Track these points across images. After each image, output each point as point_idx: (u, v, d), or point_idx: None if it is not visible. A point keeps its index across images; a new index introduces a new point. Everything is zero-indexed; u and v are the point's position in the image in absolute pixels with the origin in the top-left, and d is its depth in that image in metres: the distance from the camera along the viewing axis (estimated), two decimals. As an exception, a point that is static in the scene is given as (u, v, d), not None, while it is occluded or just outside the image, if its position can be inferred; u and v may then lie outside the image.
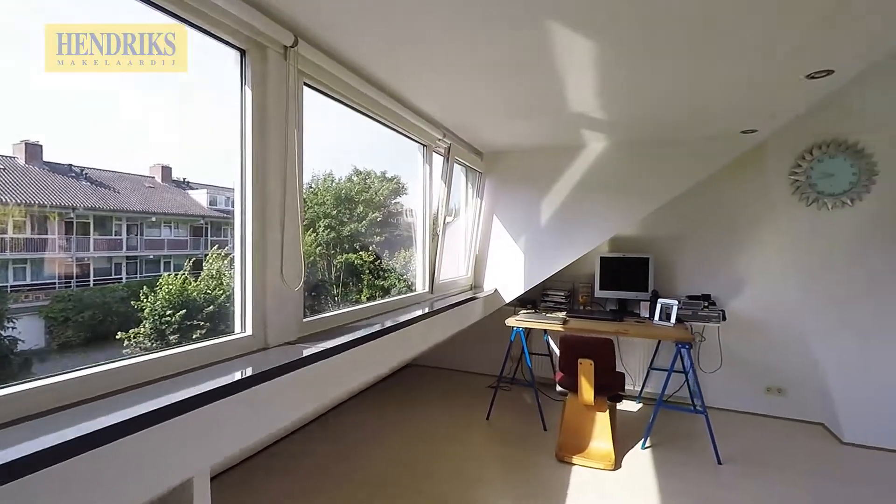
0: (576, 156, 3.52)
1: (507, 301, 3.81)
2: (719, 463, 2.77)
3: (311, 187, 10.92)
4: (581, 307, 3.89)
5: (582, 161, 3.51)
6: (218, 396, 1.11)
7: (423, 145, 2.91)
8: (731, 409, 3.60)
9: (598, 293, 3.85)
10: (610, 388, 2.77)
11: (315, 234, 10.57)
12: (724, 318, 3.40)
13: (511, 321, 3.42)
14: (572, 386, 2.83)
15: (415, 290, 3.02)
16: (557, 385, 3.01)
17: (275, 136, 1.58)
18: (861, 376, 3.04)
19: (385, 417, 3.56)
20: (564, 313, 3.67)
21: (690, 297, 3.55)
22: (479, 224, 3.83)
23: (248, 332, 1.54)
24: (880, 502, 2.41)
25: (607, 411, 2.79)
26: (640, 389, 3.84)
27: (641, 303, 3.66)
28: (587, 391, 2.73)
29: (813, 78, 1.84)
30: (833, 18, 1.48)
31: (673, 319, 3.26)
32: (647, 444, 2.98)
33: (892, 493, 2.48)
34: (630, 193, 3.38)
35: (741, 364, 3.55)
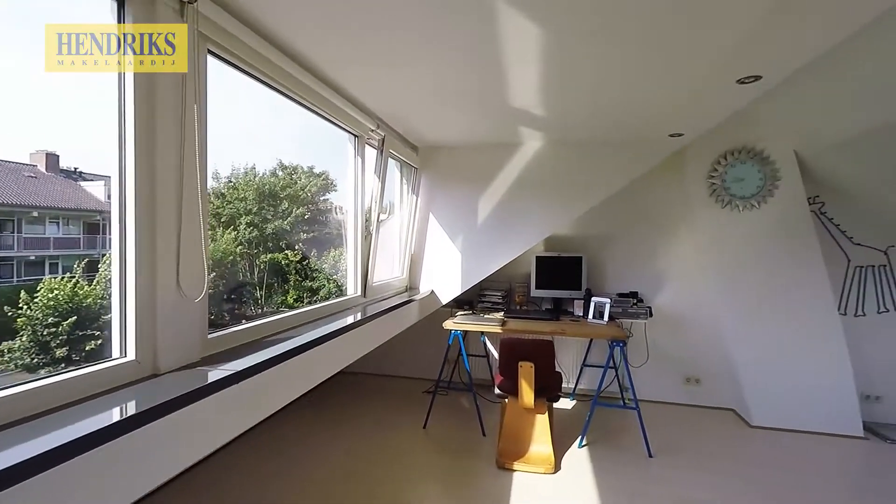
0: (513, 154, 3.47)
1: (444, 303, 3.68)
2: (650, 456, 2.85)
3: (231, 181, 10.05)
4: (518, 307, 3.86)
5: (519, 159, 3.47)
6: (64, 457, 0.82)
7: (355, 136, 2.67)
8: (655, 401, 3.78)
9: (535, 292, 3.85)
10: (549, 389, 2.74)
11: (236, 232, 9.74)
12: (651, 315, 3.55)
13: (449, 324, 3.29)
14: (512, 389, 2.76)
15: (346, 294, 2.77)
16: (496, 388, 2.93)
17: (167, 109, 1.27)
18: (766, 365, 3.31)
19: (317, 428, 3.27)
20: (502, 314, 3.61)
21: (620, 295, 3.67)
22: (414, 222, 3.65)
23: (131, 356, 1.22)
24: (791, 484, 2.60)
25: (546, 413, 2.76)
26: (573, 386, 3.90)
27: (575, 301, 3.71)
28: (527, 394, 2.67)
29: (743, 83, 1.90)
30: (762, 26, 1.51)
31: (606, 317, 3.33)
32: (584, 443, 3.00)
33: (800, 474, 2.70)
34: (566, 193, 3.39)
35: (664, 357, 3.73)
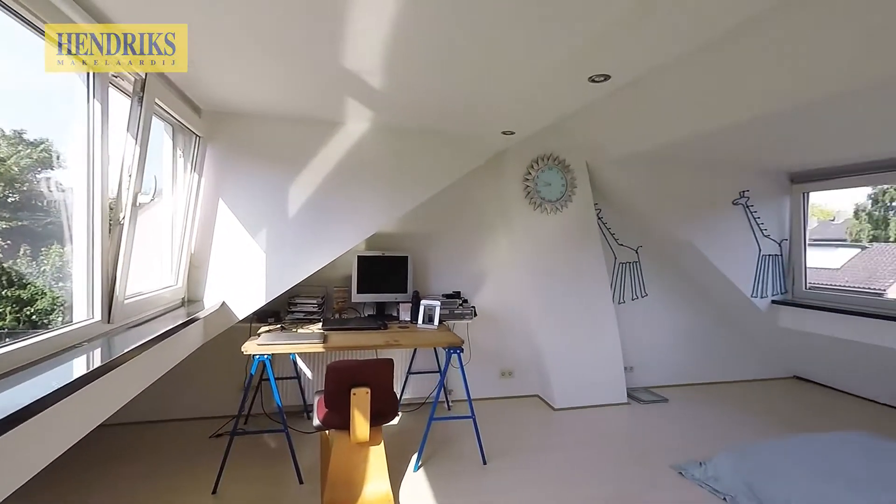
0: (334, 134, 2.90)
1: (241, 318, 2.83)
2: (484, 463, 2.75)
3: None
4: (338, 315, 3.30)
5: (341, 141, 2.92)
6: None
7: (92, 72, 1.65)
8: (476, 398, 3.79)
9: (356, 297, 3.36)
10: (386, 414, 2.32)
11: None
12: (476, 315, 3.52)
13: (251, 347, 2.49)
14: (341, 423, 2.22)
15: (73, 322, 1.71)
16: (316, 420, 2.33)
17: None
18: (565, 351, 3.69)
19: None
20: (320, 325, 3.00)
21: (446, 296, 3.53)
22: (195, 211, 2.68)
23: None
24: (594, 458, 2.87)
25: (381, 443, 2.33)
26: (399, 397, 3.58)
27: (401, 304, 3.40)
28: (362, 427, 2.18)
29: (594, 81, 1.88)
30: (618, 26, 1.47)
31: (436, 321, 3.12)
32: (419, 464, 2.70)
33: (602, 446, 3.01)
34: (395, 185, 3.03)
35: (483, 354, 3.79)
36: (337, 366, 2.17)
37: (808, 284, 4.04)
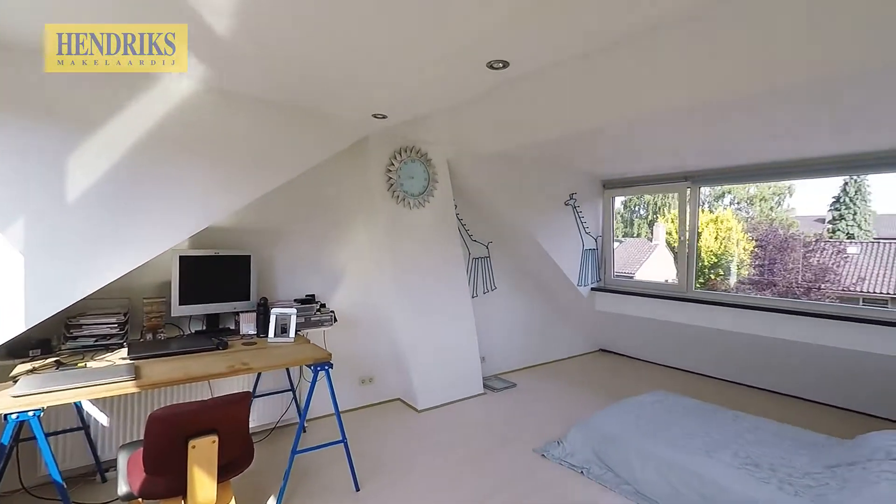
0: (144, 90, 2.13)
1: (-20, 354, 1.85)
2: (357, 490, 2.43)
3: None
4: (151, 335, 2.48)
5: (156, 101, 2.17)
6: None
7: None
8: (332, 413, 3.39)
9: (178, 310, 2.59)
10: (241, 464, 1.79)
11: None
12: (336, 320, 3.12)
13: (4, 401, 1.62)
14: (172, 489, 1.62)
15: None
16: (125, 487, 1.66)
17: None
18: (427, 350, 3.60)
19: None
20: (126, 352, 2.19)
21: (299, 301, 3.03)
22: None
23: None
24: (470, 455, 2.84)
25: (233, 500, 1.80)
26: (239, 428, 2.93)
27: (241, 315, 2.77)
28: (205, 488, 1.62)
29: (492, 68, 1.75)
30: (510, 16, 1.40)
31: (292, 333, 2.63)
32: (280, 509, 2.22)
33: (470, 442, 3.00)
34: (237, 167, 2.43)
35: (343, 362, 3.40)
36: (165, 415, 1.55)
37: (614, 273, 4.87)
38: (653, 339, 4.64)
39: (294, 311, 2.67)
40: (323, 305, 3.11)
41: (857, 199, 14.60)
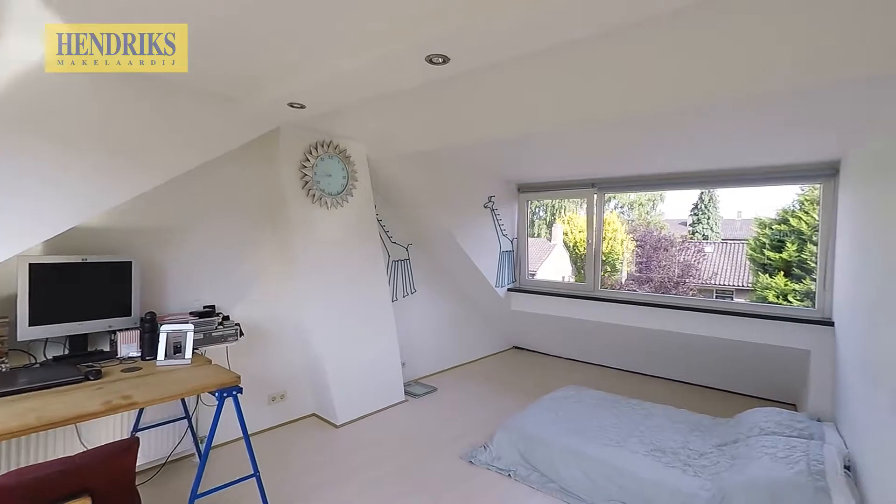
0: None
1: None
2: (273, 527, 2.15)
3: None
4: (-14, 368, 1.92)
5: (-6, 67, 1.67)
6: None
7: None
8: (240, 437, 3.00)
9: (28, 332, 2.06)
10: (125, 526, 1.44)
11: None
12: (242, 334, 2.75)
13: None
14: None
15: None
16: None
17: None
18: (346, 360, 3.36)
19: None
20: (-55, 396, 1.65)
21: (196, 314, 2.62)
22: None
23: None
24: (397, 469, 2.69)
25: (114, 570, 1.44)
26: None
27: (119, 334, 2.30)
28: (76, 566, 1.26)
29: (432, 63, 1.63)
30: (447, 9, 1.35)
31: (188, 353, 2.24)
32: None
33: (395, 455, 2.85)
34: (115, 156, 1.98)
35: (250, 380, 3.01)
36: (9, 485, 1.16)
37: (528, 274, 5.07)
38: (561, 336, 4.92)
39: (191, 326, 2.28)
40: (226, 318, 2.72)
41: (710, 205, 17.34)
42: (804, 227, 9.31)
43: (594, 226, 4.39)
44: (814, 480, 2.00)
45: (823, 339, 3.09)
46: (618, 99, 2.22)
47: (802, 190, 9.55)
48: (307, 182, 3.06)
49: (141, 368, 2.10)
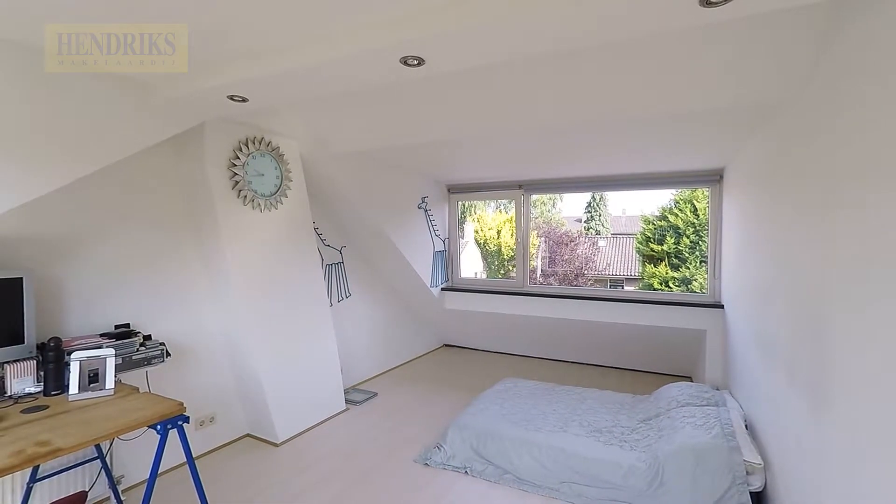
0: None
1: None
2: (226, 566, 1.94)
3: None
4: None
5: None
6: None
7: None
8: (164, 471, 2.63)
9: None
10: None
11: None
12: (169, 354, 2.42)
13: None
14: None
15: None
16: None
17: None
18: (283, 372, 3.13)
19: None
20: None
21: (109, 335, 2.24)
22: None
23: None
24: (348, 484, 2.58)
25: None
26: (9, 533, 1.99)
27: (8, 367, 1.89)
28: None
29: (407, 64, 1.58)
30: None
31: (110, 382, 1.91)
32: None
33: (345, 469, 2.73)
34: (9, 151, 1.61)
35: (173, 406, 2.67)
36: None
37: (461, 273, 5.19)
38: (491, 331, 5.13)
39: (111, 351, 1.95)
40: (147, 337, 2.37)
41: (601, 204, 19.33)
42: (679, 223, 10.86)
43: (522, 225, 4.64)
44: (727, 441, 2.37)
45: (716, 319, 3.65)
46: (540, 110, 2.48)
47: (676, 191, 11.14)
48: (237, 182, 2.78)
49: (48, 406, 1.74)
